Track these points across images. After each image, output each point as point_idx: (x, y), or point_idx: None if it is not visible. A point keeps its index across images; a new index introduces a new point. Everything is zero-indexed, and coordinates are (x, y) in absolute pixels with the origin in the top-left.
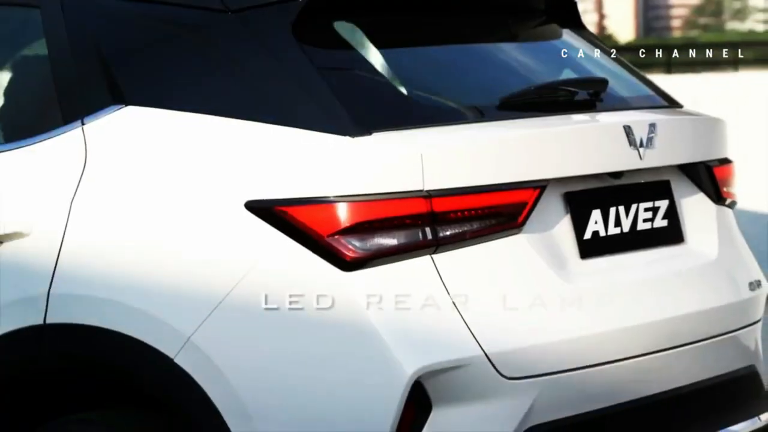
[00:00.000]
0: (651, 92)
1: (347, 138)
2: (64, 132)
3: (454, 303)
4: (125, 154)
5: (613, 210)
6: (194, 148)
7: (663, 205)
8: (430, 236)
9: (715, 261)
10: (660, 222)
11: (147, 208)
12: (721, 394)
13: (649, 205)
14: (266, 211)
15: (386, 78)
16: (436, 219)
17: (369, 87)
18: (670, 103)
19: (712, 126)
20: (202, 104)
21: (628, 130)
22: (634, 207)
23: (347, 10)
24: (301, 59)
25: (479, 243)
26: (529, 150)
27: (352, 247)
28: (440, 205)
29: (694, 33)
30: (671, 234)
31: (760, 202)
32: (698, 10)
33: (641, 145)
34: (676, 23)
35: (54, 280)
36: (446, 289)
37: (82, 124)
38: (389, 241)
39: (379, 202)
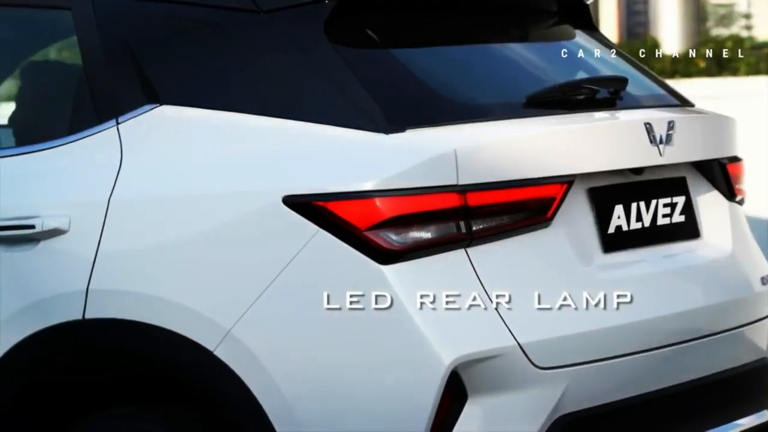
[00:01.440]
0: (663, 91)
1: (382, 135)
2: (99, 131)
3: (487, 294)
4: (162, 152)
5: (634, 205)
6: (230, 146)
7: (680, 201)
8: (464, 230)
9: (729, 256)
10: (678, 218)
11: (184, 204)
12: (736, 386)
13: (668, 200)
14: (304, 205)
15: (415, 76)
16: (470, 213)
17: (400, 85)
18: (682, 102)
19: (724, 124)
20: (236, 103)
21: (648, 128)
22: (653, 203)
23: (376, 10)
24: (334, 58)
25: (510, 236)
26: (558, 146)
27: (390, 240)
28: (474, 200)
29: None
30: (688, 229)
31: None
32: None
33: (661, 141)
34: None
35: (93, 276)
36: (480, 281)
37: (117, 123)
38: (425, 234)
39: (415, 196)
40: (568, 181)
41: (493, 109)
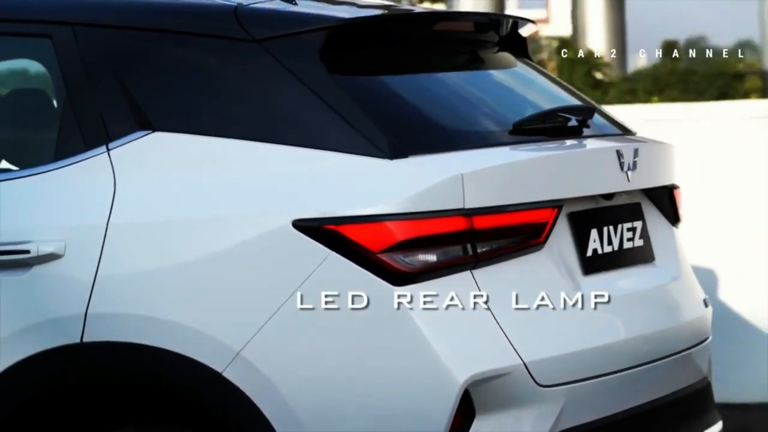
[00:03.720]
0: (606, 120)
1: (386, 160)
2: (89, 158)
3: (493, 315)
4: (160, 177)
5: (605, 229)
6: (233, 171)
7: (638, 225)
8: (470, 252)
9: (680, 279)
10: (638, 242)
11: (189, 228)
12: (691, 403)
13: (630, 225)
14: (315, 229)
15: (411, 104)
16: (475, 236)
17: (398, 113)
18: (624, 131)
19: (670, 151)
20: (234, 130)
21: (619, 155)
22: (620, 227)
23: (365, 43)
24: (330, 86)
25: (509, 259)
26: (549, 171)
27: (403, 262)
28: (479, 223)
29: None
30: (645, 253)
31: None
32: None
33: (629, 168)
34: None
35: (92, 300)
36: (486, 302)
37: (108, 149)
38: (436, 256)
39: (424, 220)
40: (558, 206)
41: (484, 137)
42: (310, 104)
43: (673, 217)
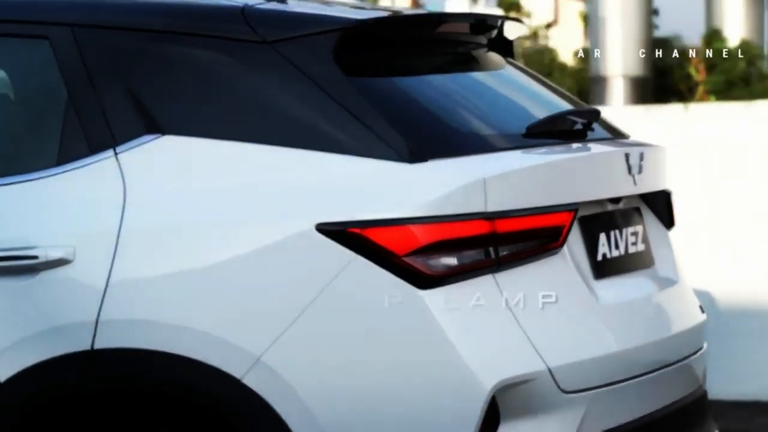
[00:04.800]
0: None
1: (405, 164)
2: (96, 161)
3: (517, 320)
4: (174, 182)
5: (612, 234)
6: (251, 175)
7: (640, 230)
8: (493, 255)
9: (679, 284)
10: (640, 246)
11: (207, 233)
12: (690, 412)
13: (633, 229)
14: (339, 233)
15: (427, 108)
16: (498, 239)
17: (416, 116)
18: (615, 135)
19: (665, 155)
20: (250, 134)
21: (627, 158)
22: (625, 231)
23: (377, 46)
24: (344, 89)
25: (528, 263)
26: (567, 175)
27: (428, 265)
28: (501, 226)
29: None
30: (646, 257)
31: None
32: None
33: (635, 171)
34: None
35: (104, 306)
36: (509, 306)
37: (116, 153)
38: (460, 259)
39: (448, 223)
40: (574, 209)
41: (499, 140)
42: (326, 109)
43: (669, 221)
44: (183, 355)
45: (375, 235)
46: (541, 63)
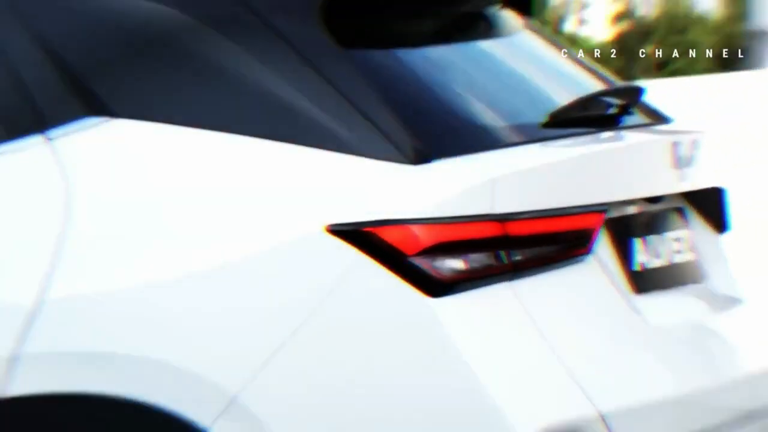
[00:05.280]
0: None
1: (408, 165)
2: (24, 145)
3: (544, 337)
4: (130, 175)
5: (650, 239)
6: (242, 171)
7: (685, 235)
8: (505, 260)
9: (745, 304)
10: (688, 255)
11: (174, 240)
12: None
13: (676, 235)
14: (349, 233)
15: (431, 104)
16: (510, 242)
17: (421, 113)
18: (657, 120)
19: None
20: (232, 122)
21: (675, 149)
22: (665, 236)
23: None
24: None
25: (552, 270)
26: (591, 171)
27: (437, 268)
28: (514, 229)
29: None
30: (697, 269)
31: None
32: None
33: (684, 165)
34: None
35: (28, 337)
36: (533, 321)
37: (47, 138)
38: (469, 263)
39: (455, 224)
40: (603, 210)
41: (515, 133)
42: (323, 102)
43: (721, 224)
44: (126, 398)
45: (384, 235)
46: (675, 15)
